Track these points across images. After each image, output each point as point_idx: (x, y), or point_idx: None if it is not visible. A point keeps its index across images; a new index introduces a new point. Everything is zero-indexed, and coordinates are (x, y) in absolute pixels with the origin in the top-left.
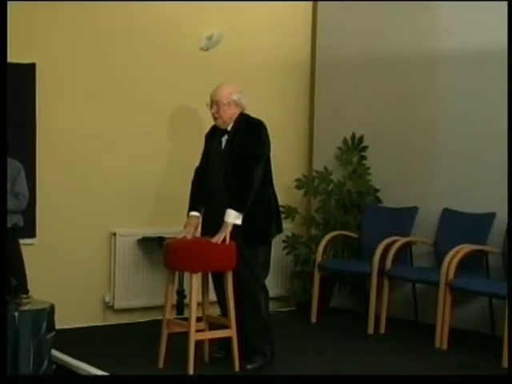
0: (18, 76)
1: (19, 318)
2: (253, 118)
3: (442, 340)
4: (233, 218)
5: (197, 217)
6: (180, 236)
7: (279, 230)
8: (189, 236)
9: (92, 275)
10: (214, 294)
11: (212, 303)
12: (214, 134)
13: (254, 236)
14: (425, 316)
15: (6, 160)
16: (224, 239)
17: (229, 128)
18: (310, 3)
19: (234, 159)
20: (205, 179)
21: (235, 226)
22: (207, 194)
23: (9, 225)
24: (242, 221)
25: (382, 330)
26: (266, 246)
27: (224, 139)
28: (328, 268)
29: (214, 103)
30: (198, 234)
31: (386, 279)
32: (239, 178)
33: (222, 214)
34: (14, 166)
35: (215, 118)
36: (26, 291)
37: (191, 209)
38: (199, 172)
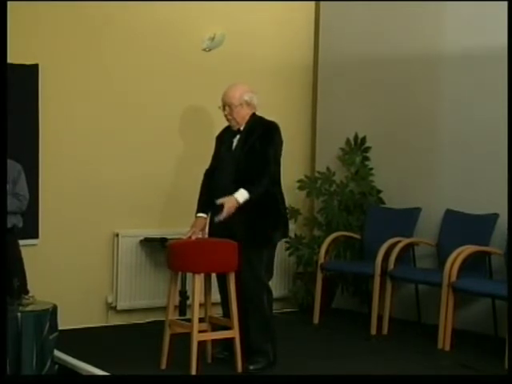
0: (20, 77)
1: (22, 318)
2: (266, 120)
3: (444, 341)
4: (239, 194)
5: (204, 218)
6: (186, 236)
7: (285, 234)
8: (193, 237)
9: (95, 276)
10: (216, 295)
11: (214, 304)
12: (225, 135)
13: (260, 236)
14: (427, 317)
15: (6, 161)
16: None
17: (241, 128)
18: (313, 4)
19: (246, 160)
20: (213, 178)
21: (241, 227)
22: (215, 192)
23: (8, 225)
24: (249, 221)
25: (385, 331)
26: (271, 247)
27: (236, 139)
28: (330, 269)
29: (226, 106)
30: (205, 235)
31: (389, 280)
32: (251, 175)
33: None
34: (14, 167)
35: (228, 120)
36: (26, 292)
37: (199, 210)
38: (209, 174)
